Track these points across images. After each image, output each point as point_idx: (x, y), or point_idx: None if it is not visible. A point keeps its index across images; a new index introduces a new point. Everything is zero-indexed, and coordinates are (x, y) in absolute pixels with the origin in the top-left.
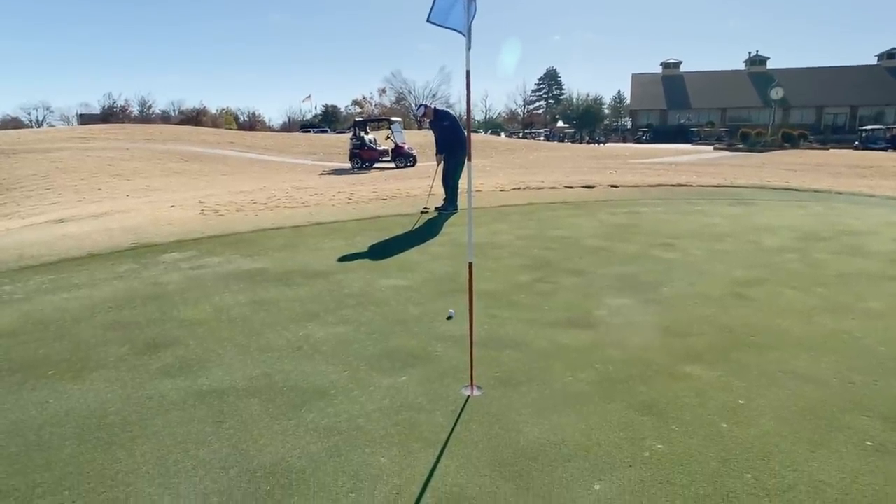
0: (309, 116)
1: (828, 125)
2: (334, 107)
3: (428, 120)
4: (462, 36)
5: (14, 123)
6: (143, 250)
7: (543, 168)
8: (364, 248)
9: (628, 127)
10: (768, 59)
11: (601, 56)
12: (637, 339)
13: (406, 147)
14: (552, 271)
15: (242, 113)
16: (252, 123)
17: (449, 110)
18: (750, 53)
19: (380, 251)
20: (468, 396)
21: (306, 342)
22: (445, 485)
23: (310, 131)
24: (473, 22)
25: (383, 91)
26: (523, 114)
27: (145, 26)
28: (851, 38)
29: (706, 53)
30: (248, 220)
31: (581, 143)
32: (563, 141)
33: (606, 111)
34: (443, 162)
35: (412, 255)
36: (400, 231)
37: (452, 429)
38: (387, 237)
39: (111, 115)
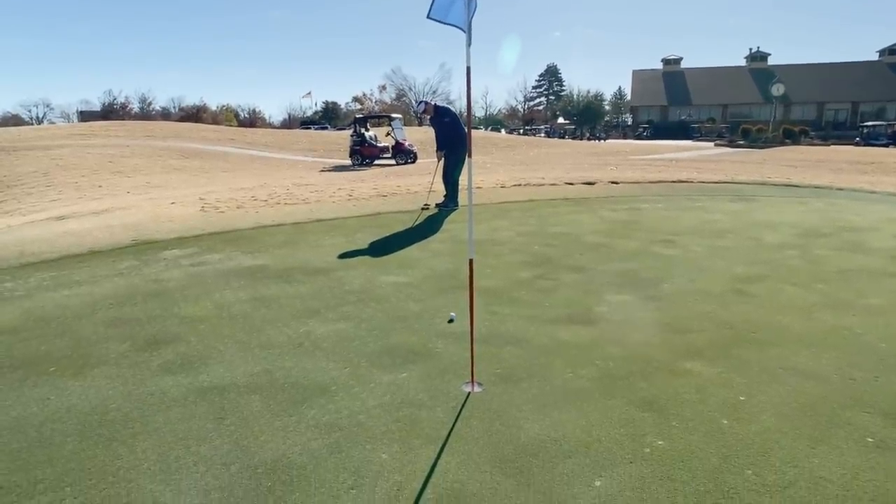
0: (309, 113)
1: (829, 121)
2: (334, 103)
3: (428, 116)
4: (462, 32)
5: (14, 120)
6: (143, 247)
7: (544, 165)
8: (364, 245)
9: (629, 123)
10: (769, 55)
11: (602, 52)
12: (637, 335)
13: (406, 144)
14: (553, 268)
15: (243, 110)
16: (252, 120)
17: (449, 107)
18: (751, 49)
19: (380, 248)
20: (469, 393)
21: (307, 339)
22: (446, 481)
23: (310, 128)
24: (474, 18)
25: (383, 88)
26: (524, 110)
27: (145, 23)
28: (853, 33)
29: (707, 49)
30: (249, 216)
31: (581, 139)
32: (563, 137)
33: (607, 108)
34: (443, 159)
35: (413, 251)
36: (400, 228)
37: (453, 425)
38: (387, 234)
39: (111, 112)
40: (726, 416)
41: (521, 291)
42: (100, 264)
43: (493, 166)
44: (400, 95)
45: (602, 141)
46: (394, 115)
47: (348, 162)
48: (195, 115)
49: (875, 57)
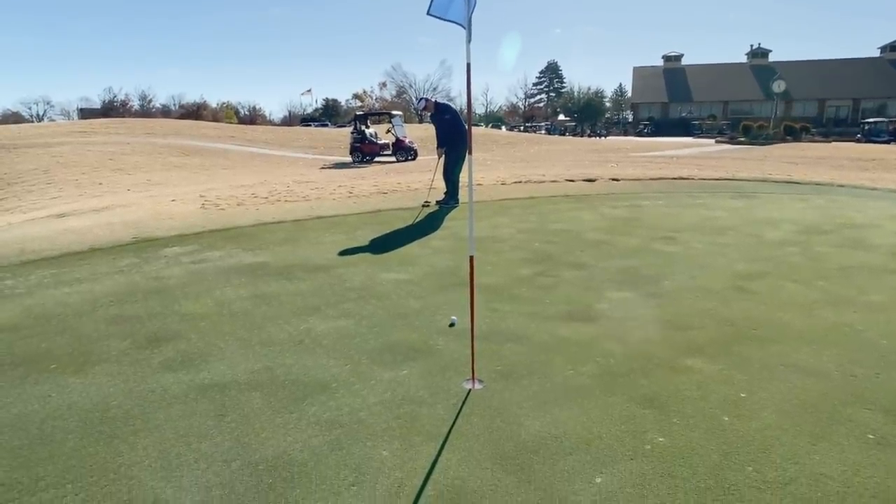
0: (309, 110)
1: (830, 118)
2: (335, 100)
3: (429, 113)
4: (462, 29)
5: (14, 118)
6: (144, 244)
7: (544, 161)
8: (365, 242)
9: (629, 120)
10: (770, 51)
11: (602, 49)
12: (638, 332)
13: (407, 141)
14: (553, 265)
15: (243, 107)
16: (252, 117)
17: (450, 104)
18: (752, 46)
19: (381, 245)
20: (469, 390)
21: (308, 336)
22: (447, 478)
23: (310, 125)
24: (473, 14)
25: (384, 85)
26: (524, 107)
27: (145, 20)
28: (854, 29)
29: (708, 46)
30: (249, 214)
31: (582, 136)
32: (564, 134)
33: (608, 104)
34: (444, 156)
35: (413, 248)
36: (401, 225)
37: (454, 422)
38: (388, 231)
39: (111, 109)
40: (727, 413)
41: (522, 288)
42: (100, 262)
43: (494, 163)
44: (400, 92)
45: (603, 138)
46: (394, 112)
47: (349, 159)
48: (195, 112)
49: (876, 53)
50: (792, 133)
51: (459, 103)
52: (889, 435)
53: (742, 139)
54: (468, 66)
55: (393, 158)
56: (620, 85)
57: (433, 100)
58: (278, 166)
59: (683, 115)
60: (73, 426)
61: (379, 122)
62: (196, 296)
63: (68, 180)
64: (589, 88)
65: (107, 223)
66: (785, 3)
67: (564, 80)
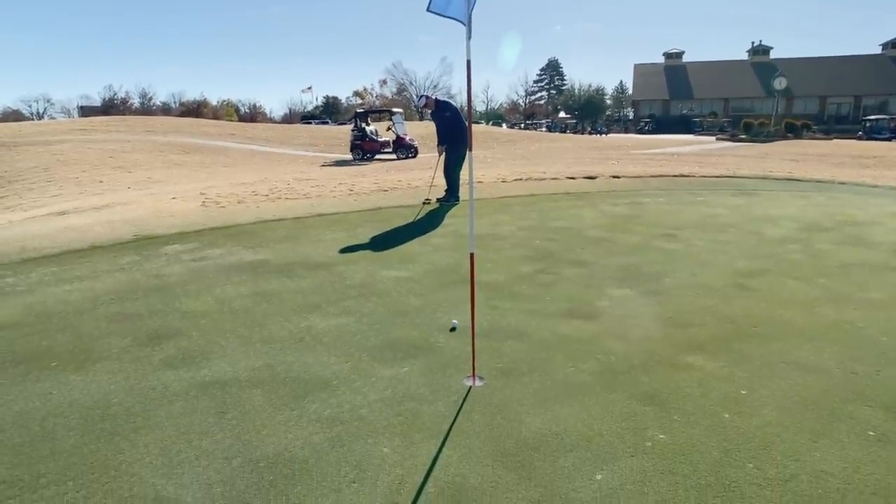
0: (310, 108)
1: (831, 115)
2: (335, 98)
3: (429, 111)
4: (462, 25)
5: (15, 116)
6: (144, 242)
7: (545, 159)
8: (365, 240)
9: (630, 117)
10: (771, 48)
11: (603, 46)
12: (639, 329)
13: (407, 138)
14: (554, 262)
15: (243, 104)
16: (253, 115)
17: (450, 101)
18: (753, 43)
19: (381, 242)
20: (470, 387)
21: (308, 333)
22: (448, 475)
23: (311, 123)
24: (473, 11)
25: (384, 82)
26: (525, 104)
27: (145, 18)
28: (856, 25)
29: (709, 43)
30: (250, 211)
31: (583, 134)
32: (564, 132)
33: (608, 102)
34: (444, 153)
35: (414, 246)
36: (401, 222)
37: (454, 419)
38: (388, 228)
39: (112, 107)
40: (728, 410)
41: (523, 286)
42: (101, 259)
43: (495, 161)
44: (401, 90)
45: (603, 135)
46: (395, 110)
47: (349, 157)
48: (196, 110)
49: (878, 50)
50: (793, 130)
51: (460, 101)
52: (889, 432)
53: (743, 136)
54: (468, 62)
55: (393, 156)
56: (621, 82)
57: (434, 97)
58: (279, 164)
59: (684, 112)
60: (75, 423)
61: (379, 120)
62: (197, 293)
63: (69, 178)
64: (590, 86)
65: (107, 221)
66: (787, 4)
67: (565, 78)
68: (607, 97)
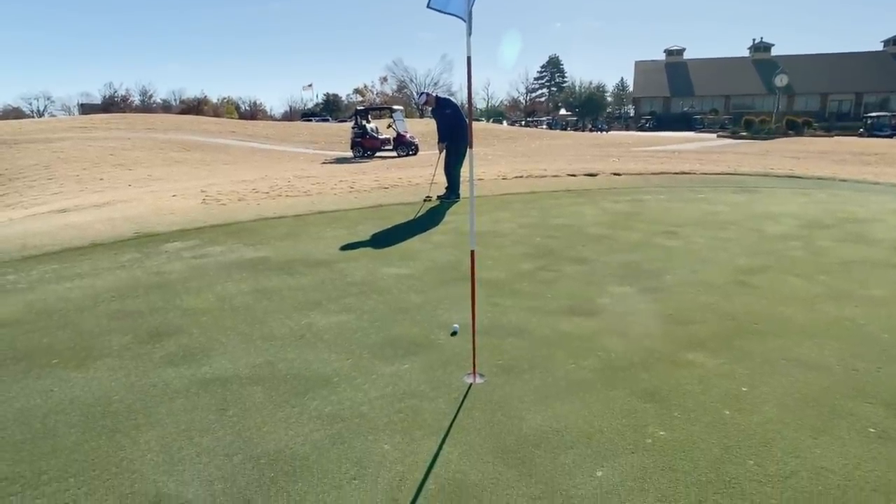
0: (310, 105)
1: (832, 112)
2: (335, 95)
3: (430, 108)
4: (463, 22)
5: (15, 113)
6: (145, 240)
7: (546, 156)
8: (366, 237)
9: (631, 115)
10: (773, 45)
11: (604, 43)
12: (639, 326)
13: (408, 136)
14: (554, 259)
15: (244, 102)
16: (253, 112)
17: (451, 98)
18: (754, 40)
19: (382, 240)
20: (470, 384)
21: (309, 330)
22: (448, 471)
23: (311, 120)
24: (473, 8)
25: (384, 79)
26: (525, 102)
27: (145, 15)
28: (858, 21)
29: (710, 40)
30: (250, 209)
31: (584, 131)
32: (565, 129)
33: (609, 99)
34: (445, 150)
35: (414, 243)
36: (402, 220)
37: (455, 416)
38: (389, 226)
39: (112, 104)
40: (728, 407)
41: (523, 283)
42: (102, 257)
43: (495, 158)
44: (401, 87)
45: (604, 132)
46: (395, 107)
47: (350, 154)
48: (196, 107)
49: (880, 47)
50: (794, 127)
51: (460, 98)
52: (890, 429)
53: (744, 134)
54: (469, 59)
55: (394, 153)
56: (622, 79)
57: (434, 94)
58: (279, 161)
59: (685, 109)
60: (76, 420)
61: (380, 117)
62: (197, 291)
63: (69, 176)
64: (590, 83)
65: (108, 218)
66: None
67: (566, 75)
68: (608, 94)
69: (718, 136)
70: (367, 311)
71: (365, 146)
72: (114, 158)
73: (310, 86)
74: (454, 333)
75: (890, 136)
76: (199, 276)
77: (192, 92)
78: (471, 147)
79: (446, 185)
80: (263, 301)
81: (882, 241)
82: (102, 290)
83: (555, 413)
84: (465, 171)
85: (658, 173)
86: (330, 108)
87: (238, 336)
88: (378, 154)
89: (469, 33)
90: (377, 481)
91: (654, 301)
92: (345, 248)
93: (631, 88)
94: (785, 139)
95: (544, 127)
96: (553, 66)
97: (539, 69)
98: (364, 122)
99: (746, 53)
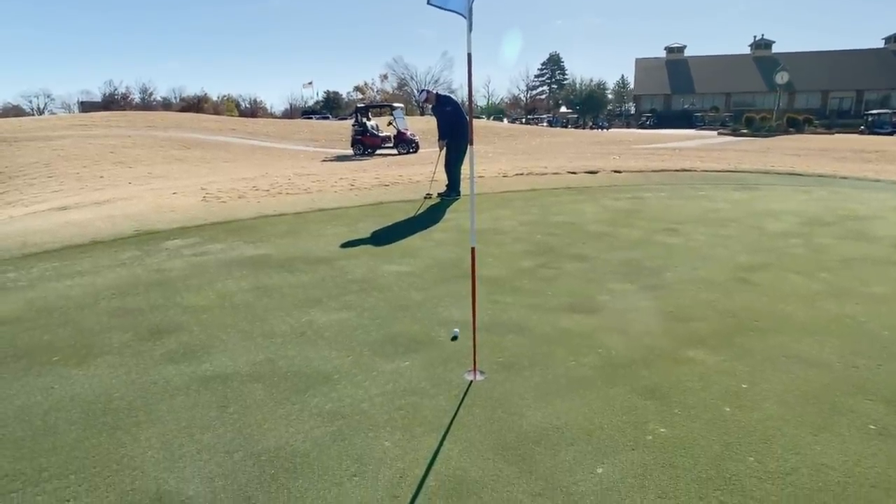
0: (311, 103)
1: (833, 110)
2: (336, 93)
3: (430, 105)
4: (463, 18)
5: (15, 111)
6: (145, 237)
7: (546, 154)
8: (367, 235)
9: (632, 112)
10: (773, 42)
11: (605, 41)
12: (640, 324)
13: (408, 133)
14: (555, 257)
15: (244, 100)
16: (254, 110)
17: (451, 95)
18: (755, 37)
19: (382, 237)
20: (471, 381)
21: (309, 328)
22: (448, 468)
23: (311, 118)
24: (474, 4)
25: (385, 77)
26: (526, 99)
27: (145, 13)
28: (859, 17)
29: (711, 37)
30: (251, 206)
31: (584, 128)
32: (566, 126)
33: (610, 96)
34: (445, 148)
35: (415, 240)
36: (402, 217)
37: (455, 413)
38: (389, 223)
39: (112, 102)
40: (729, 404)
41: (524, 280)
42: (102, 254)
43: (496, 155)
44: (401, 84)
45: (605, 130)
46: (395, 105)
47: (350, 152)
48: (196, 105)
49: (881, 44)
50: (795, 125)
51: (461, 95)
52: (890, 425)
53: (745, 131)
54: (469, 55)
55: (394, 151)
56: (623, 77)
57: (435, 92)
58: (279, 159)
59: (686, 107)
60: (76, 418)
61: (380, 115)
62: (198, 288)
63: (69, 173)
64: (591, 80)
65: (108, 216)
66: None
67: (566, 72)
68: (609, 92)
69: (719, 134)
70: (368, 309)
71: (365, 144)
72: (114, 156)
73: (310, 83)
74: (454, 338)
75: (891, 134)
76: (200, 273)
77: (192, 90)
78: (471, 144)
79: (447, 182)
80: (264, 298)
81: (882, 239)
82: (103, 287)
83: (555, 410)
84: (465, 169)
85: (659, 171)
86: (330, 106)
87: (238, 333)
88: (378, 152)
89: (469, 30)
90: (378, 478)
91: (655, 298)
92: (345, 245)
93: (632, 86)
94: (786, 136)
95: (545, 124)
96: (554, 64)
97: (540, 66)
98: (364, 120)
99: (747, 51)
